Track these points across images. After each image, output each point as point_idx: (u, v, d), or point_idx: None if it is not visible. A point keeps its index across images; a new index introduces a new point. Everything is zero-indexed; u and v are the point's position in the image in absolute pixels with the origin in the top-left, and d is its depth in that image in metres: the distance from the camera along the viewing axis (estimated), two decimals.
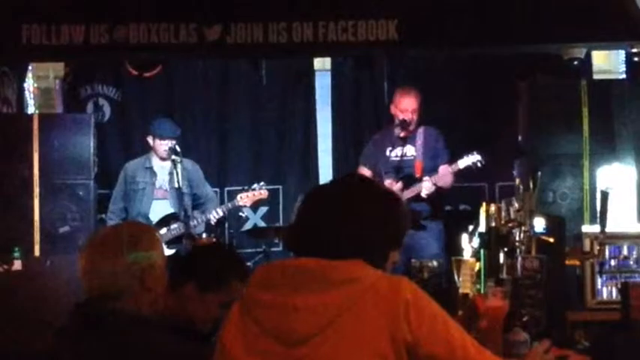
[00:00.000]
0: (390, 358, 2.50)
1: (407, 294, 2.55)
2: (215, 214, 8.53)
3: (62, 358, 3.29)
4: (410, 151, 8.40)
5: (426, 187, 8.18)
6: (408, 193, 8.13)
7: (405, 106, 8.41)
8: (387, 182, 8.09)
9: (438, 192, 8.29)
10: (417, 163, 8.33)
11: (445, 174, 8.21)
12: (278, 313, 2.60)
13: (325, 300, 2.56)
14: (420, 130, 8.46)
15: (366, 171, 8.52)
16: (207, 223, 8.57)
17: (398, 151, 8.42)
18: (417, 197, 8.22)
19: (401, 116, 8.38)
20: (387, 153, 8.44)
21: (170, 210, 8.49)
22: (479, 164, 8.19)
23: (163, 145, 8.43)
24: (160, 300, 3.41)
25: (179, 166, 8.26)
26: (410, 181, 8.28)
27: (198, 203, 8.70)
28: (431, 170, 8.29)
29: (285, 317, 2.59)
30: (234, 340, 2.69)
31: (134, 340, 3.21)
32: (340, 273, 2.60)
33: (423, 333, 2.52)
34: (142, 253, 3.29)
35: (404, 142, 8.40)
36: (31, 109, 9.17)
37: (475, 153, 8.17)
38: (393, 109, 8.50)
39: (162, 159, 8.52)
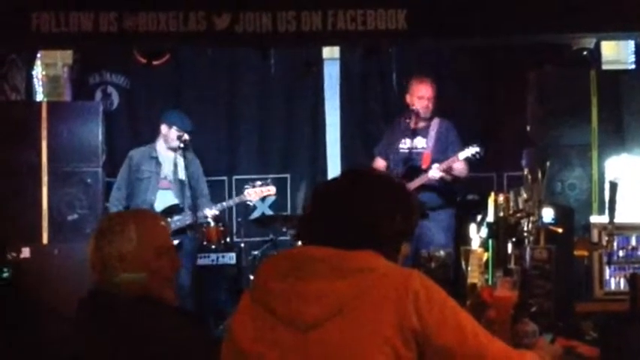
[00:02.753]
0: (398, 347, 2.52)
1: (417, 285, 2.58)
2: (208, 214, 8.53)
3: (76, 344, 3.34)
4: (420, 143, 8.37)
5: (432, 173, 8.14)
6: (413, 184, 8.11)
7: (422, 93, 8.39)
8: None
9: (452, 181, 8.27)
10: (425, 155, 8.30)
11: (452, 161, 8.16)
12: (289, 299, 2.63)
13: (337, 287, 2.59)
14: (434, 122, 8.43)
15: (381, 162, 8.52)
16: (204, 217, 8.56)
17: (408, 143, 8.40)
18: (427, 187, 8.20)
19: (416, 104, 8.36)
20: (398, 145, 8.42)
21: (174, 201, 8.51)
22: (477, 156, 8.15)
23: (177, 136, 8.43)
24: (163, 286, 3.44)
25: (185, 157, 8.31)
26: (415, 172, 8.25)
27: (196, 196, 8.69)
28: (439, 162, 8.25)
29: (297, 303, 2.61)
30: (243, 328, 2.71)
31: (130, 322, 3.26)
32: (353, 262, 2.63)
33: (433, 322, 2.54)
34: (133, 274, 3.38)
35: (415, 134, 8.38)
36: (39, 97, 9.19)
37: (475, 145, 8.12)
38: (408, 98, 8.46)
39: (172, 149, 8.52)
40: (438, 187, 8.26)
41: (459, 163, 8.19)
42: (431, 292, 2.59)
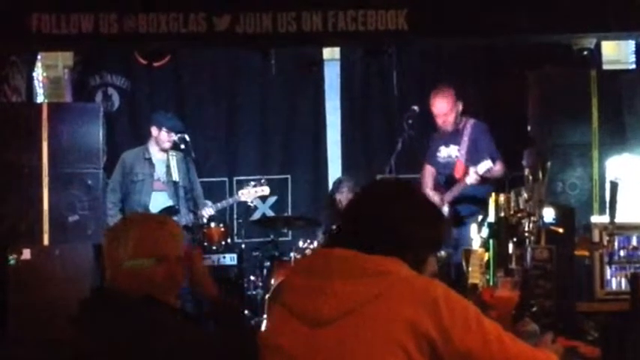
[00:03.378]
0: (411, 351, 2.53)
1: (437, 293, 2.59)
2: (206, 213, 8.54)
3: (77, 344, 3.35)
4: (454, 151, 8.31)
5: (469, 179, 7.96)
6: (450, 194, 8.12)
7: (437, 110, 8.30)
8: (430, 192, 8.16)
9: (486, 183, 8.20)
10: (458, 164, 8.23)
11: (486, 168, 8.03)
12: (306, 296, 2.68)
13: (355, 287, 2.62)
14: (467, 126, 8.34)
15: (429, 169, 8.50)
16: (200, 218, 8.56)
17: (444, 151, 8.38)
18: (463, 198, 8.16)
19: (437, 119, 8.35)
20: (437, 153, 8.43)
21: (168, 202, 8.51)
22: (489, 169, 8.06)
23: (169, 137, 8.46)
24: (165, 294, 3.45)
25: (184, 159, 8.34)
26: (449, 183, 8.23)
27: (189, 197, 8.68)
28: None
29: (313, 299, 2.66)
30: (268, 322, 2.84)
31: (134, 319, 3.28)
32: (375, 265, 2.66)
33: (457, 330, 2.55)
34: (142, 260, 3.38)
35: (449, 141, 8.35)
36: (40, 99, 9.19)
37: (487, 158, 8.02)
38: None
39: (164, 150, 8.52)
40: (477, 193, 8.18)
41: (491, 170, 8.10)
42: (452, 300, 2.60)
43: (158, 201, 8.50)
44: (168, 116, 8.69)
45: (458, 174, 8.21)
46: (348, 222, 2.85)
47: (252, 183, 8.75)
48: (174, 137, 8.44)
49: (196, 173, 8.85)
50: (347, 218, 2.87)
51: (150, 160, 8.59)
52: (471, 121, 8.37)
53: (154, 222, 3.66)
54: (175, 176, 8.41)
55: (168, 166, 8.47)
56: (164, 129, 8.51)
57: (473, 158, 8.16)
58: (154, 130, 8.59)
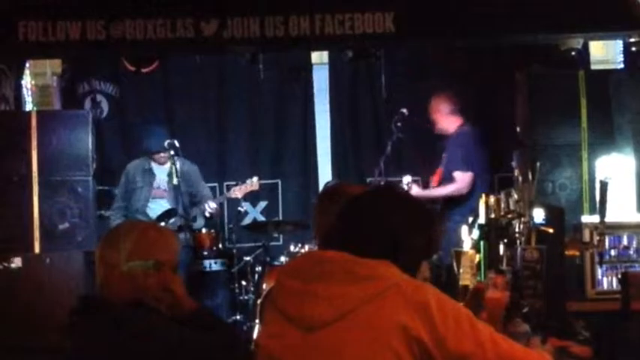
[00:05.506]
0: (402, 355, 2.54)
1: (429, 297, 2.60)
2: (208, 207, 8.60)
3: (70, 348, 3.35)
4: (444, 158, 8.38)
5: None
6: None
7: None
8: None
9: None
10: (437, 172, 8.31)
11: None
12: (299, 299, 2.69)
13: (347, 291, 2.63)
14: (457, 133, 8.36)
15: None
16: (203, 215, 8.65)
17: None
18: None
19: None
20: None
21: (168, 207, 8.57)
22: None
23: (160, 154, 8.58)
24: (174, 297, 3.45)
25: (177, 164, 8.37)
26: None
27: (194, 201, 8.74)
28: (447, 179, 8.20)
29: (305, 303, 2.66)
30: (263, 324, 2.93)
31: (128, 323, 3.27)
32: (366, 269, 2.66)
33: (449, 333, 2.56)
34: (140, 262, 3.37)
35: (445, 147, 8.40)
36: (28, 107, 9.15)
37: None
38: None
39: (162, 164, 8.64)
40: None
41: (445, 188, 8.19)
42: (443, 304, 2.61)
43: (158, 207, 8.62)
44: (151, 137, 8.80)
45: (434, 183, 8.25)
46: (343, 224, 2.85)
47: (242, 182, 8.82)
48: (165, 153, 8.50)
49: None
50: (343, 220, 2.87)
51: (150, 170, 8.76)
52: (463, 128, 8.38)
53: (151, 228, 3.66)
54: (176, 180, 8.45)
55: (169, 174, 8.54)
56: (150, 153, 8.67)
57: (446, 165, 8.23)
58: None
